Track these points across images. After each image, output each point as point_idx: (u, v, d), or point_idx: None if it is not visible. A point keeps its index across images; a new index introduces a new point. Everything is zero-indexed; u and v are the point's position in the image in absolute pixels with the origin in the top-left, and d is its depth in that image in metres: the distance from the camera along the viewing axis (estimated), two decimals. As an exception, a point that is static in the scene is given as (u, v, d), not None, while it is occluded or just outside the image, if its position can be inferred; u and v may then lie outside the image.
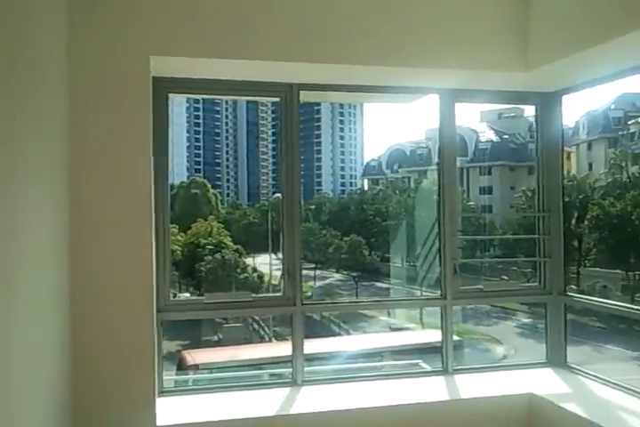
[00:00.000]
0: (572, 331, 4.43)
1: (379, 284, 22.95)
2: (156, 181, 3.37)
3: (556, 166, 4.24)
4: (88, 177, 3.16)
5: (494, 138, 23.23)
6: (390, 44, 3.51)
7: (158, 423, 3.25)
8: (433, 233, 16.35)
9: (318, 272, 23.21)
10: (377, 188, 25.70)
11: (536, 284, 4.33)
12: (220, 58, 3.33)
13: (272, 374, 5.95)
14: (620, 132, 21.64)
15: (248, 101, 28.06)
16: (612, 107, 22.37)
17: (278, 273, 21.58)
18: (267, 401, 3.61)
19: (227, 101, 28.09)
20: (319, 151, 30.26)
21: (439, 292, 4.18)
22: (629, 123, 21.44)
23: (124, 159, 3.22)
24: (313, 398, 3.67)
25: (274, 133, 29.57)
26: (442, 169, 4.09)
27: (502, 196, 23.08)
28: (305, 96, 3.83)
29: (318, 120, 29.86)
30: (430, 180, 22.88)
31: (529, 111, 23.87)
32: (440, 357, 4.23)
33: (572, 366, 4.15)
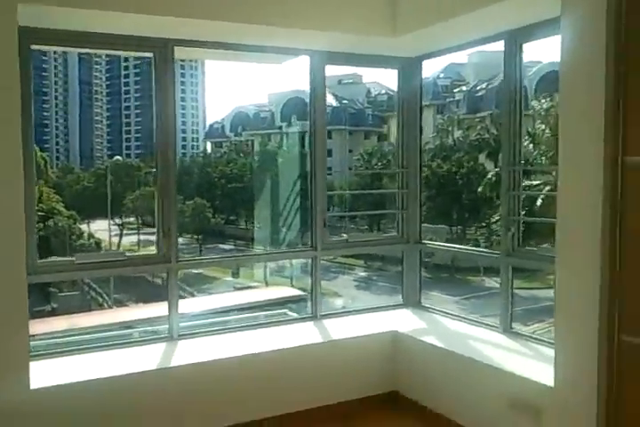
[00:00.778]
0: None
1: (222, 246, 23.00)
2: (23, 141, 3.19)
3: (415, 127, 4.64)
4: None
5: (334, 103, 23.85)
6: (261, 2, 3.54)
7: (32, 387, 3.19)
8: (294, 192, 16.69)
9: (161, 236, 22.64)
10: (221, 150, 25.36)
11: (395, 233, 4.77)
12: (91, 8, 3.17)
13: (145, 331, 5.91)
14: (448, 100, 23.47)
15: (80, 57, 26.01)
16: (441, 75, 24.07)
17: (116, 239, 20.86)
18: (146, 357, 3.67)
19: (55, 58, 25.68)
20: (158, 112, 28.75)
21: (298, 248, 4.43)
22: (455, 91, 23.33)
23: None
24: (191, 351, 3.79)
25: (108, 93, 27.58)
26: (314, 129, 4.30)
27: (341, 158, 24.03)
28: (179, 53, 3.79)
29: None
30: (273, 143, 23.15)
31: (366, 78, 24.90)
32: (295, 307, 4.51)
33: (426, 305, 4.68)
